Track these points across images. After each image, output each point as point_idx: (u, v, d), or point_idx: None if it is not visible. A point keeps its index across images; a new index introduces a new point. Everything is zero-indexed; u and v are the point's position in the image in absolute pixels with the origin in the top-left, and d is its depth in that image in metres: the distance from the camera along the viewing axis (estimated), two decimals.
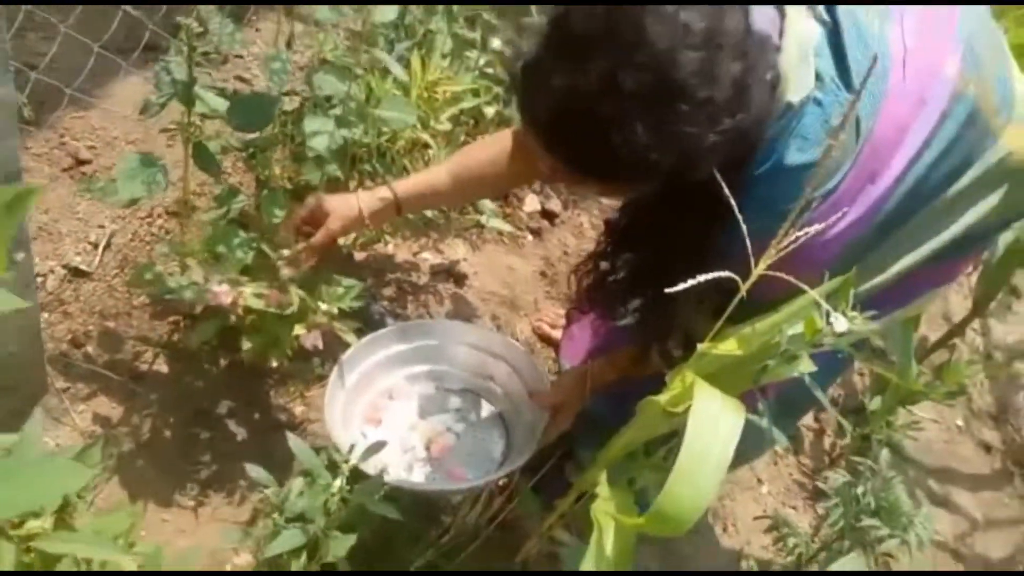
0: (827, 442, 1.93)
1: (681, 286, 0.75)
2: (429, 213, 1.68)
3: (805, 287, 0.80)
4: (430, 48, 1.52)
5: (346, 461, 0.97)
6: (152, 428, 1.37)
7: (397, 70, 1.31)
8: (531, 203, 2.02)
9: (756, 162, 0.91)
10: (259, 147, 1.28)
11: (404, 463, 1.29)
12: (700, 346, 0.89)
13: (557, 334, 1.77)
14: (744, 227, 0.79)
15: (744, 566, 1.64)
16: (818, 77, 0.90)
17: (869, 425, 1.79)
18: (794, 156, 0.90)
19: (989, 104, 0.98)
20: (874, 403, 1.82)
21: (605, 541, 0.85)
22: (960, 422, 2.06)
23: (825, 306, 0.82)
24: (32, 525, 0.83)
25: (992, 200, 1.03)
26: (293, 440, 1.02)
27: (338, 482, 0.94)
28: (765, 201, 0.86)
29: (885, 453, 1.50)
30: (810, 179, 0.88)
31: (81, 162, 1.59)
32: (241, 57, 1.94)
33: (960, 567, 1.86)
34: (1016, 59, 1.06)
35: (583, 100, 0.82)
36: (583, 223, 2.07)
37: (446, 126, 1.59)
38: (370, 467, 1.11)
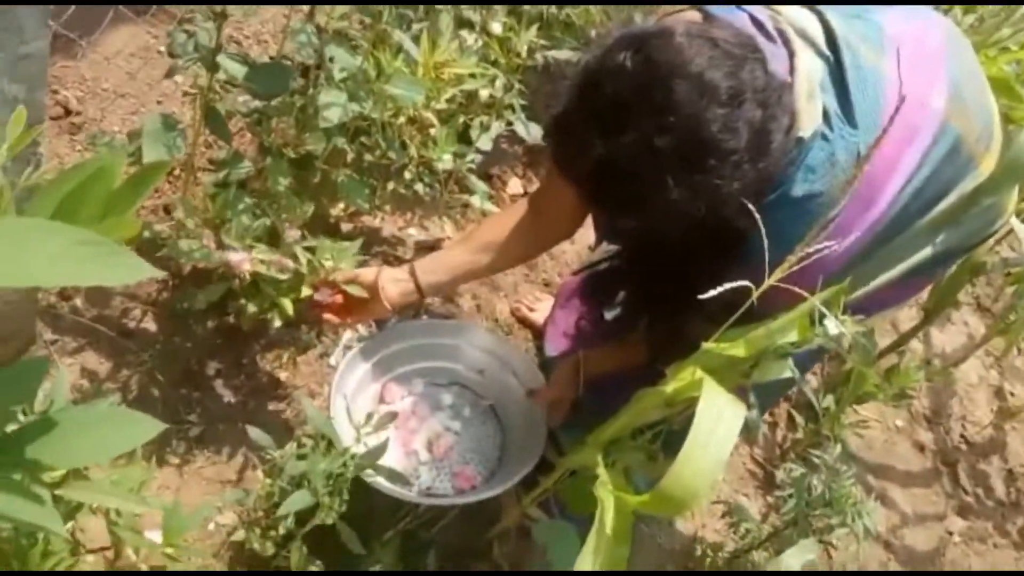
0: (779, 435, 2.04)
1: (703, 296, 0.81)
2: (420, 189, 1.70)
3: (808, 295, 0.87)
4: (436, 28, 1.54)
5: (359, 429, 1.00)
6: (140, 385, 1.38)
7: (413, 49, 1.33)
8: (514, 186, 2.05)
9: (765, 193, 0.98)
10: (267, 114, 1.28)
11: (410, 468, 1.33)
12: (705, 345, 0.95)
13: (535, 317, 1.82)
14: (757, 251, 0.85)
15: (699, 549, 1.74)
16: (824, 112, 0.96)
17: (821, 421, 1.90)
18: (800, 187, 0.97)
19: (971, 135, 1.06)
20: (826, 401, 1.93)
21: (606, 518, 0.91)
22: (900, 423, 2.20)
23: (823, 311, 0.89)
24: (52, 473, 0.84)
25: (966, 221, 1.11)
26: (309, 405, 1.05)
27: (355, 448, 0.98)
28: (772, 228, 0.91)
29: (839, 448, 1.60)
30: (818, 208, 0.95)
31: (70, 112, 1.56)
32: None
33: (890, 557, 2.00)
34: (995, 92, 1.15)
35: (620, 165, 0.88)
36: None
37: (443, 105, 1.61)
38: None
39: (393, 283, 1.26)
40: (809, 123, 0.95)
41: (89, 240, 0.46)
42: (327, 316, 1.29)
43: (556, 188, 1.20)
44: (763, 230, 0.85)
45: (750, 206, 0.85)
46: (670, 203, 0.88)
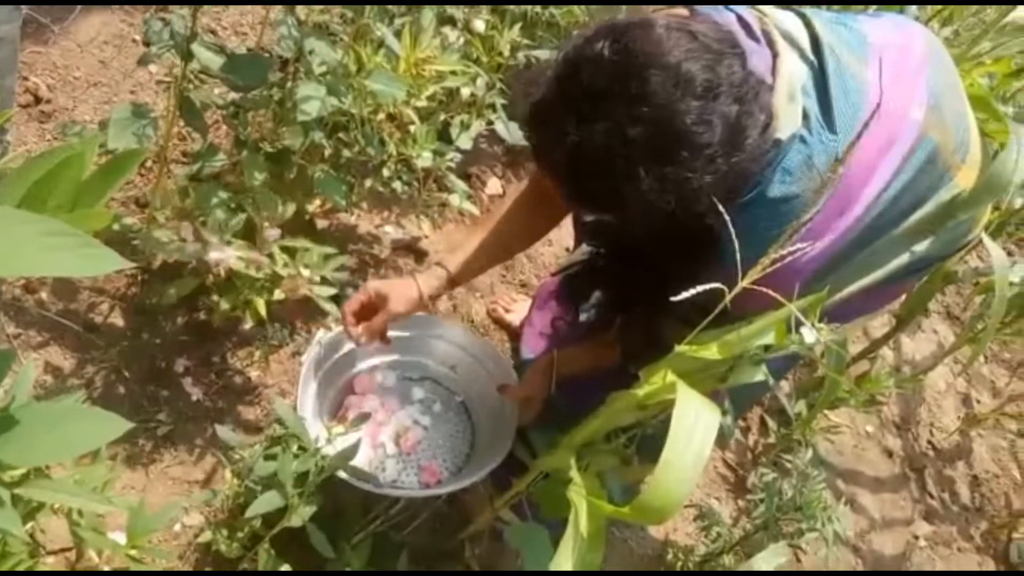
0: (751, 439, 2.05)
1: (677, 297, 0.80)
2: (398, 187, 1.68)
3: (784, 300, 0.87)
4: (418, 25, 1.52)
5: (330, 430, 0.98)
6: (106, 382, 1.34)
7: (395, 45, 1.31)
8: (493, 186, 2.04)
9: (741, 192, 0.98)
10: (244, 107, 1.26)
11: (376, 460, 1.31)
12: (679, 348, 0.94)
13: (511, 318, 1.82)
14: (731, 251, 0.85)
15: (670, 552, 1.74)
16: (804, 115, 0.97)
17: (792, 426, 1.91)
18: (776, 188, 0.97)
19: (948, 147, 1.07)
20: (798, 406, 1.95)
21: (580, 522, 0.91)
22: (870, 428, 2.23)
23: (800, 319, 0.89)
24: (12, 472, 0.82)
25: (942, 232, 1.12)
26: (280, 405, 1.03)
27: (326, 449, 0.96)
28: (746, 228, 0.91)
29: (810, 453, 1.62)
30: (792, 210, 0.95)
31: (40, 99, 1.52)
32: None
33: (858, 562, 2.02)
34: (973, 107, 1.17)
35: (593, 154, 0.87)
36: None
37: (424, 103, 1.60)
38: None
39: (433, 292, 1.25)
40: (788, 125, 0.95)
41: (58, 230, 0.44)
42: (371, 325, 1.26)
43: None
44: (736, 229, 0.85)
45: (719, 206, 0.85)
46: (641, 194, 0.88)
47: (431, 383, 1.47)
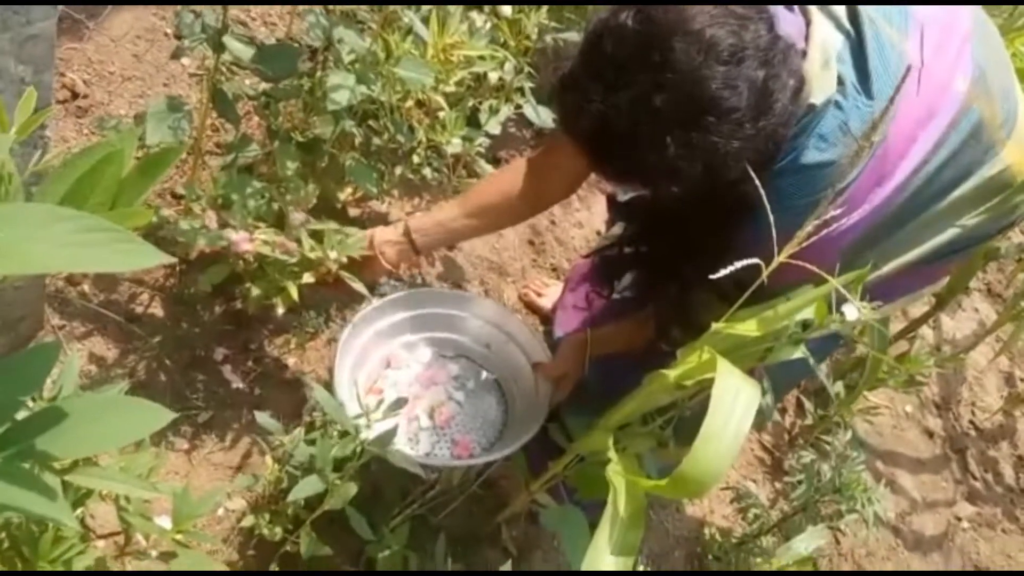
0: (787, 421, 2.03)
1: (718, 274, 0.79)
2: (428, 173, 1.69)
3: (824, 275, 0.86)
4: (445, 10, 1.52)
5: (368, 416, 1.00)
6: (148, 371, 1.37)
7: (423, 31, 1.31)
8: None
9: (775, 158, 0.97)
10: (275, 97, 1.27)
11: (410, 433, 1.33)
12: (715, 325, 0.94)
13: (543, 302, 1.81)
14: (765, 219, 0.84)
15: (707, 534, 1.73)
16: (840, 81, 0.95)
17: (830, 407, 1.89)
18: (812, 155, 0.95)
19: (994, 120, 1.04)
20: (835, 386, 1.92)
21: (619, 502, 0.91)
22: (909, 409, 2.19)
23: (844, 294, 0.87)
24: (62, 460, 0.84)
25: (987, 210, 1.09)
26: (318, 392, 1.05)
27: (364, 435, 0.97)
28: (781, 196, 0.91)
29: (850, 434, 1.60)
30: (827, 177, 0.94)
31: (76, 95, 1.55)
32: None
33: (899, 543, 1.99)
34: (1020, 80, 1.13)
35: (617, 122, 0.87)
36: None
37: (452, 88, 1.60)
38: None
39: (390, 246, 1.28)
40: (822, 90, 0.94)
41: (99, 226, 0.45)
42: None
43: (559, 153, 1.19)
44: (771, 197, 0.84)
45: (752, 172, 0.84)
46: (669, 161, 0.88)
47: (465, 360, 1.49)
